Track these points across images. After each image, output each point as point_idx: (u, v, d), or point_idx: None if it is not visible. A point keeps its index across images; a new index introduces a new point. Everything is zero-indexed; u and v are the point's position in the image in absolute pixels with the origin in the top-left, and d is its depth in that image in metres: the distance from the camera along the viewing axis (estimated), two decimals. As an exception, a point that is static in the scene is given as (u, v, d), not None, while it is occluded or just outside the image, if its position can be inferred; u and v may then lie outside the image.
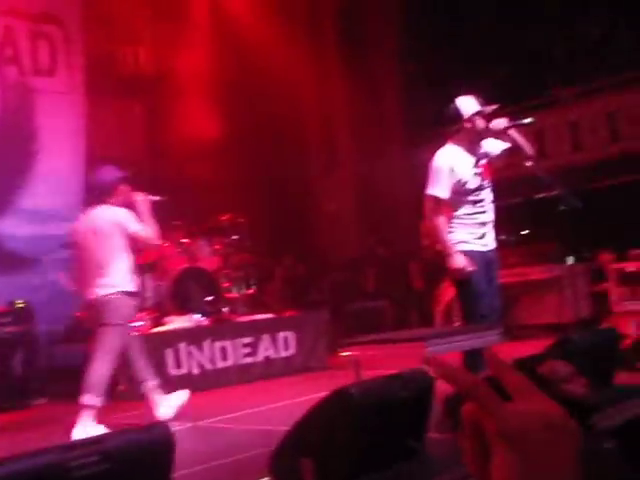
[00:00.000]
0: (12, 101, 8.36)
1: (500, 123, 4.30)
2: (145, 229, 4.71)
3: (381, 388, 2.72)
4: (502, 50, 9.98)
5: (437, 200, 4.32)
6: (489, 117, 4.41)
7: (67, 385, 6.90)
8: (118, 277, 4.62)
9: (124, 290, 4.63)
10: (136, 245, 4.79)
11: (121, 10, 9.41)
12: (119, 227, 4.62)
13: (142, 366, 4.92)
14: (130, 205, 4.79)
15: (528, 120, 4.44)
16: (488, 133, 4.31)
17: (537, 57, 10.01)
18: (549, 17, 9.62)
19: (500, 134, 4.32)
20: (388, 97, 11.09)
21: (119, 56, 9.74)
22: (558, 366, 2.78)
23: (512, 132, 4.33)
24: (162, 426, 2.16)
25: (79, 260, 4.84)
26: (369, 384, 2.76)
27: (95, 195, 4.82)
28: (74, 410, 5.90)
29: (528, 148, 4.40)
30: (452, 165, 4.31)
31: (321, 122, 11.47)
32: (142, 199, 4.86)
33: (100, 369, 4.61)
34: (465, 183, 4.34)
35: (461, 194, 4.35)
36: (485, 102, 4.37)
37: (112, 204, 4.70)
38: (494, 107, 4.36)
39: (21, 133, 8.35)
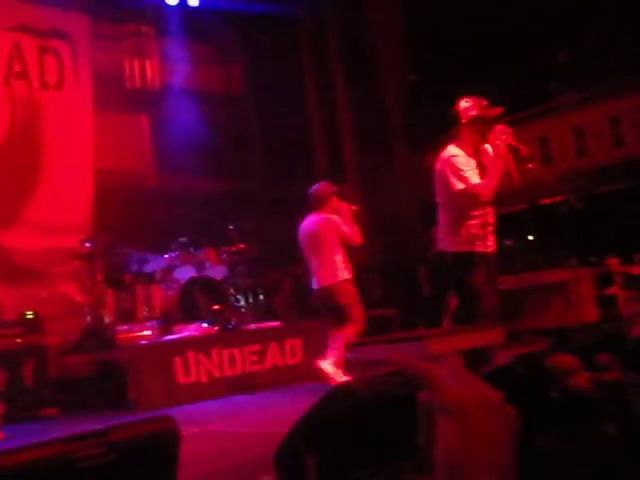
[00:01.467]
0: (21, 115, 8.49)
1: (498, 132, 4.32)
2: (350, 231, 5.94)
3: (382, 384, 2.76)
4: (505, 58, 10.05)
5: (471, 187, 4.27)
6: (492, 121, 4.43)
7: (77, 395, 6.98)
8: (338, 268, 5.81)
9: (346, 278, 5.78)
10: (344, 243, 5.97)
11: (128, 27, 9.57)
12: (334, 229, 5.76)
13: None
14: (337, 212, 5.99)
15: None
16: (487, 138, 4.33)
17: (540, 63, 10.07)
18: (551, 23, 9.68)
19: (494, 142, 4.33)
20: (391, 106, 11.16)
21: (126, 70, 9.85)
22: (564, 360, 2.80)
23: (501, 145, 4.31)
24: (168, 419, 2.20)
25: (306, 257, 6.07)
26: (370, 380, 2.80)
27: (313, 204, 6.07)
28: (84, 420, 5.98)
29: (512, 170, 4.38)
30: (467, 172, 4.32)
31: (327, 134, 11.54)
32: (346, 208, 6.03)
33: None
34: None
35: (468, 203, 4.38)
36: (489, 106, 4.40)
37: (325, 212, 5.93)
38: (495, 110, 4.39)
39: (30, 147, 8.47)
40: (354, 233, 5.98)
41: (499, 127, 4.33)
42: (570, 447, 2.32)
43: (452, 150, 4.38)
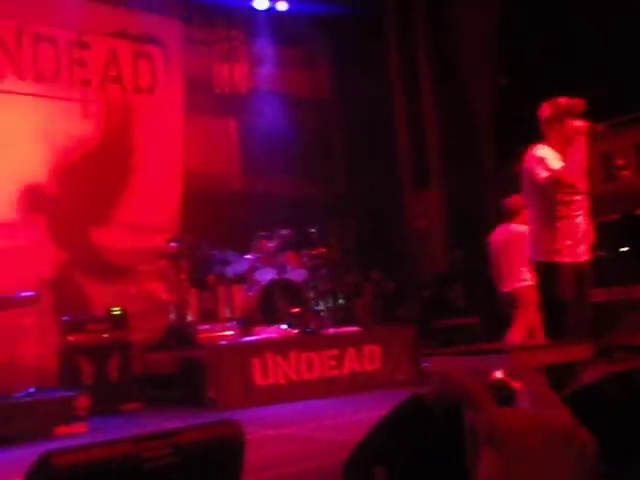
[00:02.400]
0: (115, 119, 8.78)
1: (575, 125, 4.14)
2: None
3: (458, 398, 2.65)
4: (599, 66, 9.65)
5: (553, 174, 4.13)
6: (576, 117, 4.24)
7: (159, 391, 7.15)
8: (525, 274, 5.92)
9: (531, 284, 5.67)
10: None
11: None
12: (523, 239, 5.70)
13: None
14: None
15: (601, 126, 4.23)
16: (573, 138, 4.14)
17: (633, 71, 9.61)
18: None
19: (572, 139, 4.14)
20: (480, 112, 10.91)
21: (215, 74, 10.04)
22: None
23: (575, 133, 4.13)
24: (234, 424, 2.19)
25: (495, 263, 6.44)
26: (444, 392, 2.70)
27: (505, 215, 6.38)
28: (165, 416, 6.11)
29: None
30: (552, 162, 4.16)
31: (413, 138, 11.41)
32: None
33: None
34: (560, 188, 4.19)
35: (553, 198, 4.20)
36: (569, 103, 4.23)
37: (516, 222, 6.11)
38: (576, 105, 4.20)
39: (122, 149, 8.75)
40: None
41: (576, 121, 4.15)
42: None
43: (539, 147, 4.25)
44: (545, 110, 4.30)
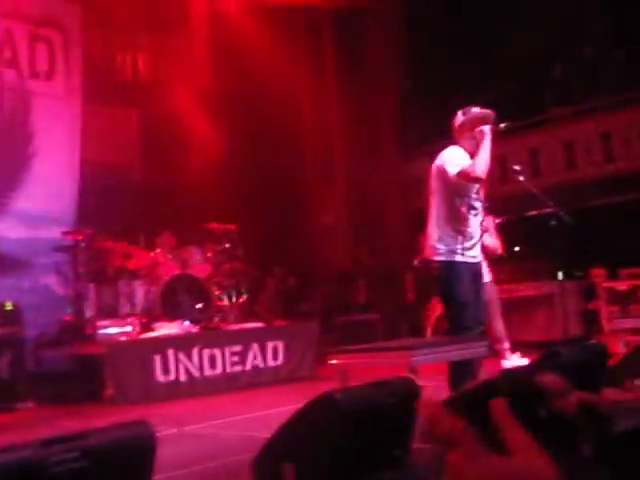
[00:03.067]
0: (9, 103, 8.38)
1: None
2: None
3: (366, 394, 2.71)
4: (499, 69, 10.05)
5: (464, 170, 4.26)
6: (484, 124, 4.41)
7: (54, 389, 6.88)
8: None
9: None
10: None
11: (121, 17, 9.45)
12: None
13: (501, 327, 6.57)
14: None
15: (502, 125, 4.45)
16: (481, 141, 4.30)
17: (535, 76, 10.08)
18: (548, 36, 9.70)
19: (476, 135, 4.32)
20: (384, 112, 11.14)
21: (118, 62, 9.76)
22: (554, 380, 2.74)
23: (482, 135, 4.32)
24: (143, 424, 2.14)
25: None
26: (354, 390, 2.76)
27: None
28: (60, 413, 5.90)
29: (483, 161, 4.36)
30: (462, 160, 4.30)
31: (318, 135, 11.51)
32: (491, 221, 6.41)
33: None
34: (466, 188, 4.35)
35: (458, 201, 4.36)
36: (481, 112, 4.40)
37: None
38: (476, 114, 4.37)
39: (17, 136, 8.36)
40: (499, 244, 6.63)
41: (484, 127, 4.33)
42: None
43: (452, 148, 4.39)
44: (458, 118, 4.46)
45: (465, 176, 4.24)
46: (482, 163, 4.21)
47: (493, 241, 6.55)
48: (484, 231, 4.68)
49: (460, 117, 4.41)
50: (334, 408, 2.55)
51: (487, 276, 6.08)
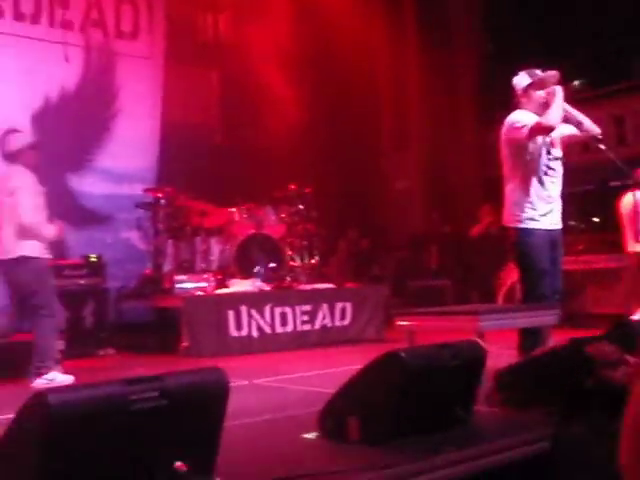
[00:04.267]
0: (95, 63, 8.65)
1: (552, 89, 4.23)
2: None
3: (431, 354, 2.78)
4: (583, 32, 9.69)
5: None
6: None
7: (133, 338, 7.23)
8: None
9: None
10: None
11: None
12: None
13: None
14: None
15: (576, 83, 4.35)
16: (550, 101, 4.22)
17: (624, 40, 9.67)
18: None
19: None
20: (463, 76, 10.94)
21: (199, 23, 9.90)
22: (606, 349, 2.75)
23: (568, 107, 4.24)
24: (217, 371, 2.28)
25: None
26: (420, 349, 2.82)
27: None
28: (138, 361, 6.21)
29: (589, 125, 4.28)
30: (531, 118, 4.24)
31: (395, 100, 11.42)
32: None
33: None
34: (535, 151, 4.29)
35: (530, 165, 4.30)
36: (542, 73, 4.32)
37: None
38: (550, 75, 4.28)
39: (102, 94, 8.64)
40: None
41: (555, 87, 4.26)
42: (591, 434, 2.33)
43: (518, 111, 4.34)
44: (523, 80, 4.38)
45: (537, 129, 4.18)
46: (555, 114, 4.15)
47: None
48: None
49: (525, 79, 4.33)
50: (400, 365, 2.63)
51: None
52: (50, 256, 5.26)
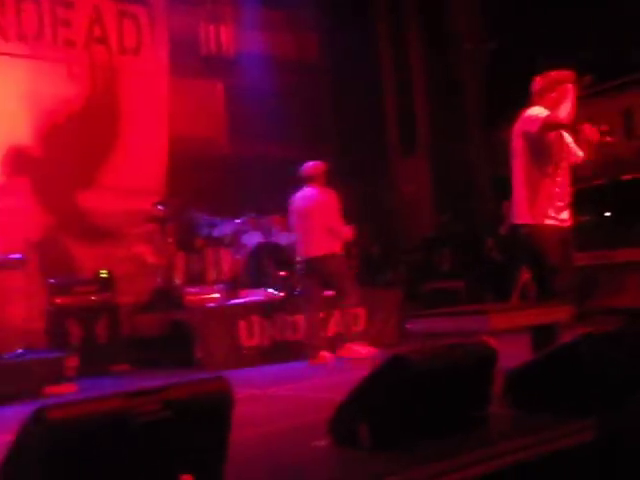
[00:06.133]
0: (100, 80, 8.69)
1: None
2: None
3: (440, 356, 2.74)
4: (587, 30, 9.63)
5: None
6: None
7: (147, 353, 7.22)
8: None
9: None
10: None
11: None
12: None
13: None
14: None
15: (587, 77, 4.32)
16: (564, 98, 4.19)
17: (627, 33, 9.60)
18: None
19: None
20: (468, 76, 10.90)
21: (201, 36, 9.92)
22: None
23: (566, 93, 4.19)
24: (222, 380, 2.25)
25: None
26: (427, 351, 2.78)
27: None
28: (152, 377, 6.19)
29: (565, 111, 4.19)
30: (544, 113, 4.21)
31: (401, 101, 11.39)
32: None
33: None
34: (551, 145, 4.27)
35: (542, 161, 4.28)
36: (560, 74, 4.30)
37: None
38: (566, 75, 4.27)
39: (108, 111, 8.67)
40: None
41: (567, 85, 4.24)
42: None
43: (533, 107, 4.31)
44: (537, 83, 4.39)
45: (549, 123, 4.16)
46: (566, 109, 4.13)
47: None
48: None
49: (539, 82, 4.34)
50: (406, 368, 2.59)
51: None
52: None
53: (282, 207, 8.02)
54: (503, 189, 5.56)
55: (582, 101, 4.36)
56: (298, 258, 6.63)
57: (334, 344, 6.67)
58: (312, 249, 6.39)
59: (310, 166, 6.67)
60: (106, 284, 7.14)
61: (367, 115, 10.64)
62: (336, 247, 6.45)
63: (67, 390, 5.55)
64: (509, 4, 10.20)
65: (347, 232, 6.48)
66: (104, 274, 7.18)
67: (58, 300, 6.72)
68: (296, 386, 4.78)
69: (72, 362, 5.73)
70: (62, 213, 8.11)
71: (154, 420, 2.04)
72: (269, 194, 8.24)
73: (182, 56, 9.31)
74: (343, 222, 6.45)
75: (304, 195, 6.61)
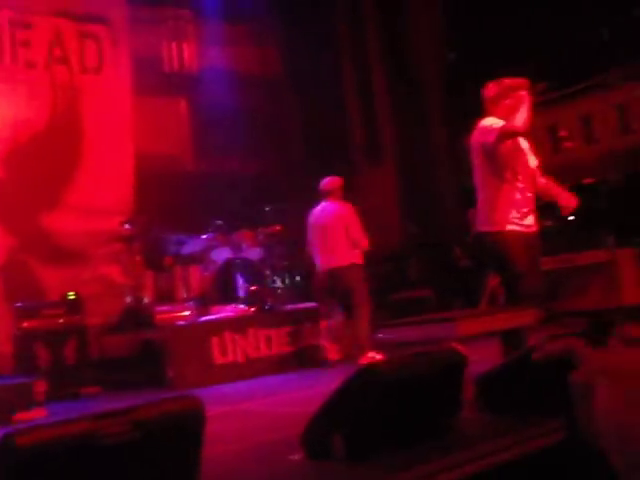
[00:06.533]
0: (62, 100, 8.62)
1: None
2: None
3: (409, 364, 2.75)
4: (547, 35, 9.82)
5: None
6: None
7: (118, 374, 7.13)
8: None
9: None
10: None
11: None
12: None
13: None
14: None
15: (543, 84, 4.40)
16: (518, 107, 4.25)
17: (583, 40, 9.81)
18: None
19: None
20: (428, 87, 11.03)
21: (164, 53, 9.91)
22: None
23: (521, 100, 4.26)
24: (193, 398, 2.24)
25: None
26: (397, 360, 2.80)
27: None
28: (123, 398, 6.12)
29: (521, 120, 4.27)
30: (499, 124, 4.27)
31: (364, 115, 11.47)
32: None
33: None
34: (507, 155, 4.32)
35: (503, 169, 4.33)
36: (512, 81, 4.37)
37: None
38: (518, 81, 4.34)
39: (70, 131, 8.60)
40: None
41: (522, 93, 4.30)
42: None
43: (487, 118, 4.37)
44: (490, 89, 4.43)
45: (506, 132, 4.22)
46: (522, 117, 4.19)
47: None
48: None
49: (492, 88, 4.39)
50: (376, 379, 2.61)
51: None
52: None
53: (250, 222, 8.04)
54: (466, 197, 5.64)
55: (542, 107, 4.45)
56: (317, 270, 6.84)
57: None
58: (335, 260, 6.64)
59: (328, 181, 6.91)
60: (74, 306, 7.05)
61: (332, 128, 10.69)
62: (357, 258, 6.71)
63: (37, 415, 5.46)
64: (467, 11, 10.37)
65: (366, 243, 6.74)
66: (71, 296, 7.09)
67: (25, 324, 6.62)
68: (269, 401, 4.76)
69: (41, 387, 5.64)
70: (26, 235, 8.00)
71: (123, 441, 2.02)
72: (236, 209, 8.25)
73: (145, 74, 9.28)
74: (364, 233, 6.67)
75: (324, 209, 6.81)
